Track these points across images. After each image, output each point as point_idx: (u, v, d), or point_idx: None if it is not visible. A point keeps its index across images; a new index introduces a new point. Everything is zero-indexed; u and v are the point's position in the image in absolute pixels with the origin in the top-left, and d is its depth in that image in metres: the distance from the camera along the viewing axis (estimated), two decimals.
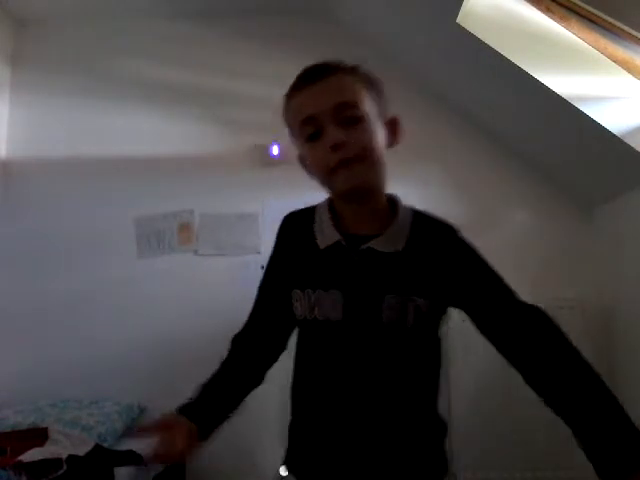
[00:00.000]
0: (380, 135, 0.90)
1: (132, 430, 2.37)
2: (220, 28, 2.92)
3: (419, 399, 0.91)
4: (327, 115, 0.87)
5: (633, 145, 2.05)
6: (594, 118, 2.07)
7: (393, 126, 0.94)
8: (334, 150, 0.85)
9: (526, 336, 0.84)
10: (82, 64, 2.94)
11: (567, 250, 2.69)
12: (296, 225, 1.00)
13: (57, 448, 1.84)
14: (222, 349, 3.02)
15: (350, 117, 0.87)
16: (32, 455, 1.71)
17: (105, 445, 2.04)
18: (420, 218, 0.94)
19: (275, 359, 1.04)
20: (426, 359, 0.93)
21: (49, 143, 2.88)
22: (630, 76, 2.10)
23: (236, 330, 1.11)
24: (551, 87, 2.11)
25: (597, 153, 2.29)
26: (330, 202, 0.97)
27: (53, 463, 1.66)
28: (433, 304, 0.89)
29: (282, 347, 1.04)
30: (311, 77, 0.92)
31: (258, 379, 1.02)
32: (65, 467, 1.66)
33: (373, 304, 0.87)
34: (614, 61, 2.12)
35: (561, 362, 0.80)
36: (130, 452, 2.00)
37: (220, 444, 2.86)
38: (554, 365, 0.81)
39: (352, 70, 0.93)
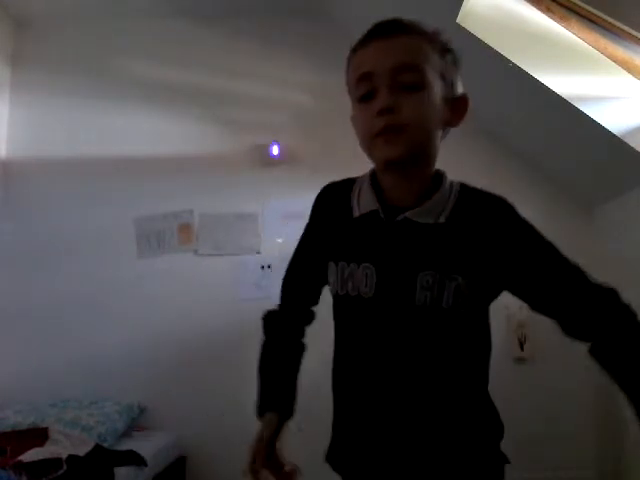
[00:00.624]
0: (439, 110, 0.81)
1: (132, 430, 2.37)
2: (220, 28, 2.92)
3: (459, 387, 0.84)
4: (384, 75, 0.78)
5: (633, 145, 2.05)
6: (594, 118, 2.07)
7: (459, 104, 0.85)
8: (380, 115, 0.77)
9: (596, 325, 0.80)
10: (82, 64, 2.94)
11: (567, 250, 2.67)
12: (333, 195, 0.94)
13: (57, 448, 1.84)
14: (221, 349, 2.99)
15: (408, 82, 0.78)
16: (32, 455, 1.71)
17: (105, 445, 2.04)
18: (469, 191, 0.86)
19: (312, 318, 1.03)
20: (468, 346, 0.84)
21: (49, 143, 2.89)
22: (630, 76, 2.10)
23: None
24: (551, 87, 2.11)
25: (597, 153, 2.29)
26: (373, 172, 0.90)
27: (53, 463, 1.66)
28: (478, 285, 0.81)
29: (316, 303, 1.03)
30: (379, 32, 0.81)
31: (303, 345, 1.01)
32: (65, 467, 1.66)
33: (406, 282, 0.81)
34: (614, 61, 2.12)
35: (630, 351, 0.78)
36: (130, 452, 2.00)
37: (220, 443, 2.86)
38: (622, 352, 0.78)
39: (428, 34, 0.83)
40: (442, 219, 0.81)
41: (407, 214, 0.82)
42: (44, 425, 2.05)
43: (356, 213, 0.87)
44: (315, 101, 2.84)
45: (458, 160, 2.77)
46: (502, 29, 2.16)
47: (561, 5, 2.12)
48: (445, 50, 0.83)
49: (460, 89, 0.86)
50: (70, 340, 2.65)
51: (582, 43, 2.14)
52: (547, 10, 2.14)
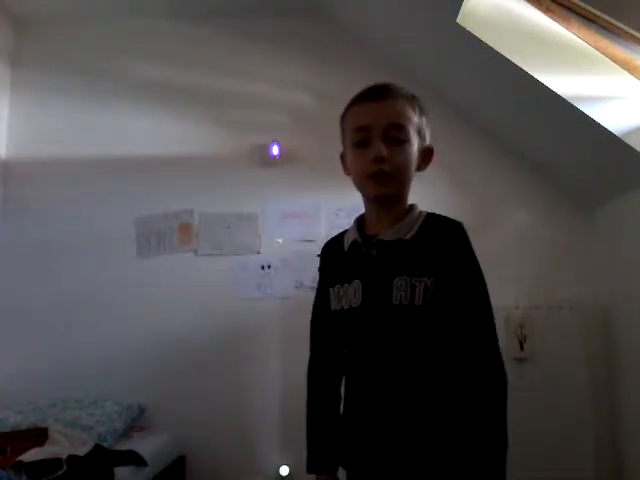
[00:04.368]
0: (414, 159, 1.04)
1: (132, 430, 2.37)
2: (220, 28, 2.92)
3: (439, 382, 0.98)
4: (378, 130, 1.01)
5: (633, 145, 2.05)
6: (594, 118, 2.07)
7: (426, 154, 1.09)
8: (375, 162, 0.99)
9: (469, 375, 0.96)
10: (82, 64, 2.94)
11: (567, 250, 2.69)
12: (331, 244, 1.18)
13: (57, 448, 1.83)
14: (221, 349, 2.99)
15: (396, 138, 1.01)
16: (32, 455, 1.71)
17: (105, 445, 2.04)
18: (432, 216, 1.07)
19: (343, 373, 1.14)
20: (441, 344, 0.99)
21: (49, 143, 2.88)
22: (630, 76, 2.10)
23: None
24: (551, 87, 2.10)
25: (597, 153, 2.29)
26: (357, 219, 1.13)
27: (53, 463, 1.66)
28: (442, 284, 0.97)
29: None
30: (375, 94, 1.05)
31: (339, 398, 1.13)
32: (65, 467, 1.66)
33: (385, 287, 0.99)
34: (614, 61, 2.11)
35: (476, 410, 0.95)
36: (130, 452, 2.00)
37: (220, 443, 2.86)
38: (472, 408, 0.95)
39: (410, 99, 1.06)
40: (408, 237, 1.02)
41: (380, 236, 1.04)
42: (44, 425, 2.05)
43: (345, 248, 1.10)
44: (315, 101, 2.84)
45: (458, 160, 2.79)
46: (502, 29, 2.16)
47: (561, 5, 2.11)
48: (422, 112, 1.07)
49: (428, 140, 1.10)
50: (70, 340, 2.65)
51: (582, 43, 2.14)
52: (547, 10, 2.14)
